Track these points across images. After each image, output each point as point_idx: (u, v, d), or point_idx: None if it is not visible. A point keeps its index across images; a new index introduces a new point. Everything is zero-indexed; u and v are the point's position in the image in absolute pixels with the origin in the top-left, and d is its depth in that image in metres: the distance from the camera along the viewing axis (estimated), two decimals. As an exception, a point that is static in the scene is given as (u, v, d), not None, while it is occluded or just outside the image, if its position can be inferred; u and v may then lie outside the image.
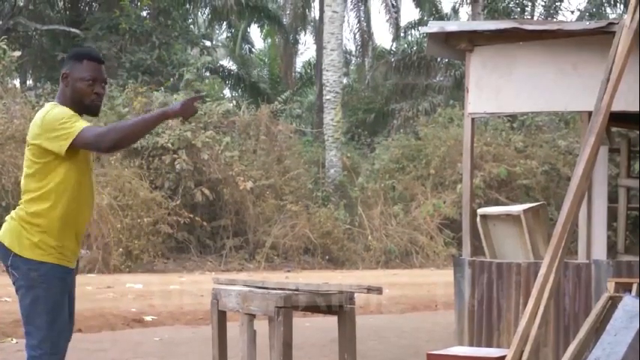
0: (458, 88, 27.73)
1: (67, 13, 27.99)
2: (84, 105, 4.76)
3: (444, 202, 23.69)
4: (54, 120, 4.62)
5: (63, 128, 4.59)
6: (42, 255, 4.64)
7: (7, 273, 4.72)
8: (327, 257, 21.86)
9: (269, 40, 37.21)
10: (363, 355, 5.87)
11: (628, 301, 6.21)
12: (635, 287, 6.37)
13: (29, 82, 29.75)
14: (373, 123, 31.23)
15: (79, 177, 4.73)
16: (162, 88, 23.33)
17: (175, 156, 20.73)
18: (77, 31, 25.98)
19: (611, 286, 6.54)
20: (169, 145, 20.77)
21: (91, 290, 14.70)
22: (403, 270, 21.73)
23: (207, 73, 30.11)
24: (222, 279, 6.00)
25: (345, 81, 32.07)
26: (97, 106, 4.81)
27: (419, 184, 24.55)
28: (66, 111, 4.67)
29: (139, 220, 19.52)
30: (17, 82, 28.05)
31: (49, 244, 4.65)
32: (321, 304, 5.24)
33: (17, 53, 23.22)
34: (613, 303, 6.41)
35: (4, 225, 4.77)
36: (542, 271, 5.56)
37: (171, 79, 24.71)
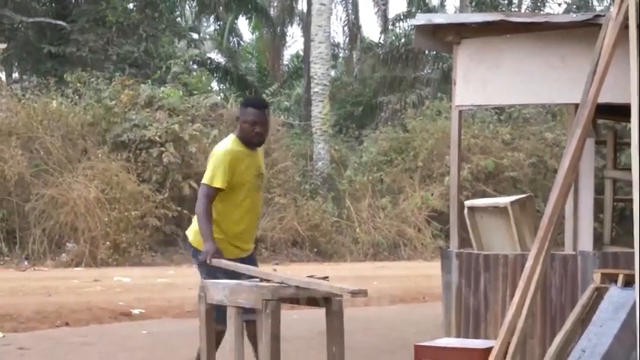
0: (445, 81, 27.73)
1: (53, 5, 27.84)
2: (247, 141, 6.45)
3: (432, 195, 23.70)
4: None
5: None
6: None
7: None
8: (315, 250, 21.86)
9: (257, 33, 37.14)
10: (351, 347, 5.88)
11: (614, 292, 6.23)
12: (621, 278, 6.39)
13: (15, 75, 29.63)
14: (361, 116, 31.22)
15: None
16: (149, 80, 23.26)
17: (163, 149, 20.68)
18: (63, 23, 25.88)
19: (597, 277, 6.56)
20: (157, 138, 20.72)
21: (79, 284, 14.69)
22: (391, 262, 21.75)
23: (195, 66, 30.02)
24: (224, 263, 6.01)
25: (333, 74, 32.04)
26: (259, 141, 6.50)
27: (407, 176, 24.55)
28: (223, 159, 6.41)
29: (126, 214, 19.48)
30: (3, 75, 27.98)
31: None
32: (309, 297, 5.24)
33: (3, 46, 23.14)
34: (599, 294, 6.43)
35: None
36: (529, 262, 5.58)
37: (159, 72, 24.63)
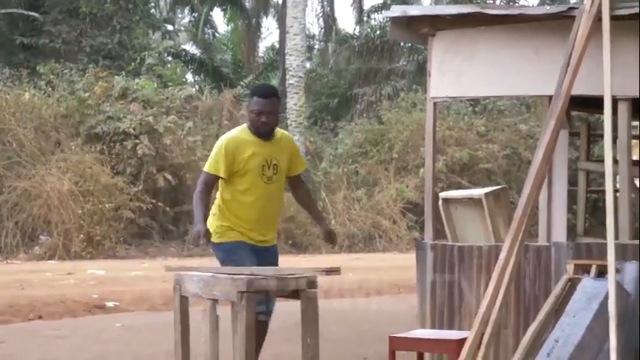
0: (421, 73, 27.77)
1: (26, -4, 27.73)
2: (256, 130, 6.34)
3: (407, 187, 23.76)
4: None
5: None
6: None
7: None
8: (290, 242, 21.87)
9: (232, 25, 37.04)
10: (326, 338, 5.89)
11: (587, 283, 6.26)
12: (593, 269, 6.42)
13: (-13, 67, 29.42)
14: (336, 108, 31.22)
15: None
16: (123, 72, 23.18)
17: (137, 141, 20.63)
18: (36, 14, 25.71)
19: (570, 268, 6.58)
20: (131, 130, 20.66)
21: (52, 277, 14.63)
22: (366, 254, 21.80)
23: (170, 58, 29.95)
24: (175, 266, 5.98)
25: (308, 65, 32.00)
26: (265, 131, 6.33)
27: (382, 168, 24.60)
28: (220, 146, 6.40)
29: (100, 206, 19.42)
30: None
31: None
32: (284, 289, 5.24)
33: (-24, 37, 23.01)
34: (572, 285, 6.46)
35: None
36: (503, 254, 5.60)
37: (133, 64, 24.54)
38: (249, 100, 6.48)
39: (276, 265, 6.38)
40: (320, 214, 6.92)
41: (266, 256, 6.35)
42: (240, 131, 6.47)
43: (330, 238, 6.60)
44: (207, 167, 6.45)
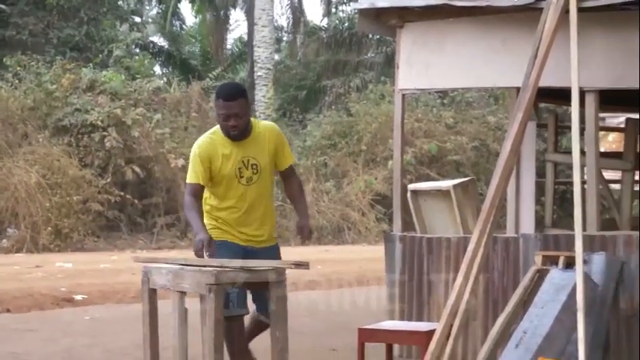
0: (389, 65, 27.79)
1: (-8, -13, 27.51)
2: (225, 134, 6.04)
3: (376, 179, 23.78)
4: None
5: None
6: None
7: None
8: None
9: (200, 17, 36.89)
10: (295, 331, 5.89)
11: (555, 274, 6.30)
12: (561, 260, 6.46)
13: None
14: (305, 100, 31.20)
15: None
16: (91, 64, 23.04)
17: (105, 133, 20.51)
18: (3, 6, 25.46)
19: (538, 259, 6.62)
20: (99, 122, 20.55)
21: (20, 270, 14.54)
22: (335, 246, 21.80)
23: (137, 50, 29.79)
24: (143, 258, 5.95)
25: (276, 57, 31.95)
26: (235, 135, 6.00)
27: (351, 160, 24.60)
28: (193, 154, 6.12)
29: (68, 199, 19.31)
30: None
31: None
32: (253, 281, 5.23)
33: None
34: (540, 276, 6.50)
35: None
36: (472, 245, 5.62)
37: (100, 56, 24.41)
38: (215, 101, 6.13)
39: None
40: (304, 210, 6.39)
41: (262, 255, 6.04)
42: (213, 134, 6.17)
43: (302, 232, 6.24)
44: (188, 178, 6.18)
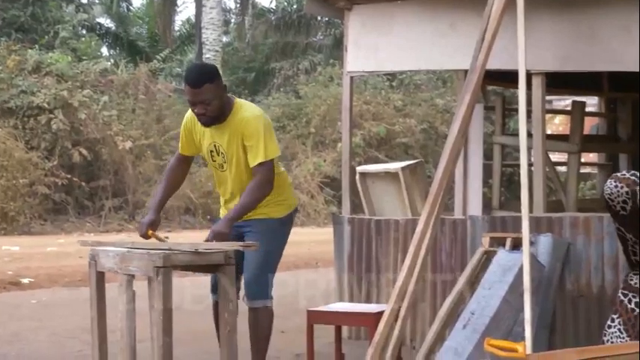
0: (338, 47, 27.78)
1: None
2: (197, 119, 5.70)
3: (325, 161, 23.81)
4: None
5: None
6: None
7: None
8: (208, 217, 21.78)
9: (147, -2, 36.62)
10: (245, 313, 5.88)
11: (501, 256, 6.36)
12: (508, 242, 6.52)
13: None
14: (253, 82, 31.12)
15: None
16: (36, 46, 22.78)
17: (52, 116, 20.31)
18: (-54, -13, 25.18)
19: (485, 240, 6.68)
20: (45, 104, 20.33)
21: (-35, 253, 14.39)
22: (284, 228, 21.77)
23: (84, 31, 29.51)
24: (89, 242, 5.90)
25: (224, 39, 31.82)
26: (204, 122, 5.65)
27: (299, 142, 24.61)
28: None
29: (14, 182, 19.12)
30: None
31: None
32: (201, 264, 5.21)
33: None
34: (488, 257, 6.55)
35: None
36: (420, 227, 5.64)
37: (46, 37, 24.15)
38: (184, 85, 5.69)
39: (261, 238, 5.68)
40: (231, 212, 5.68)
41: (242, 231, 5.82)
42: None
43: (211, 233, 5.62)
44: None
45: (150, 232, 5.73)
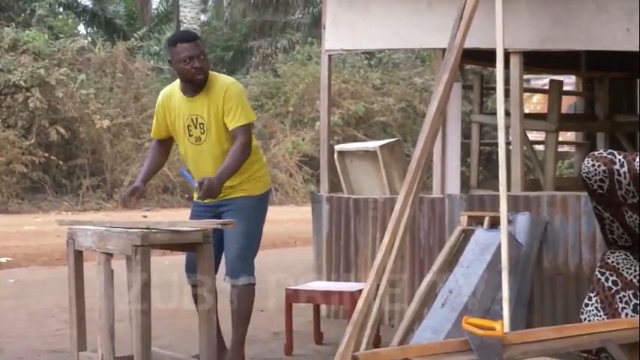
0: (316, 26, 27.72)
1: None
2: (189, 81, 5.75)
3: (303, 140, 23.80)
4: None
5: None
6: None
7: None
8: (186, 195, 21.74)
9: (124, -25, 36.37)
10: (223, 291, 5.89)
11: (480, 234, 6.38)
12: (486, 220, 6.55)
13: None
14: (232, 60, 31.00)
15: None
16: (13, 23, 22.62)
17: (28, 94, 20.19)
18: None
19: (464, 219, 6.70)
20: (22, 82, 20.21)
21: (-58, 232, 14.32)
22: (263, 207, 21.76)
23: (61, 9, 29.31)
24: (67, 221, 5.88)
25: (202, 18, 31.68)
26: (201, 79, 5.73)
27: (278, 121, 24.56)
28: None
29: (-9, 160, 19.04)
30: None
31: None
32: (180, 242, 5.21)
33: None
34: (466, 236, 6.58)
35: None
36: (398, 206, 5.65)
37: (23, 15, 23.97)
38: (172, 50, 5.78)
39: (241, 216, 5.72)
40: (220, 170, 5.71)
41: (220, 210, 5.90)
42: (173, 86, 5.96)
43: (199, 186, 5.62)
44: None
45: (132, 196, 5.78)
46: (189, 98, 5.82)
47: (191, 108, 5.82)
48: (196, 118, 5.81)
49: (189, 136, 5.86)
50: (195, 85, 5.77)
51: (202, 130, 5.81)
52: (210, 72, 5.86)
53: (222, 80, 5.89)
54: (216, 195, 5.62)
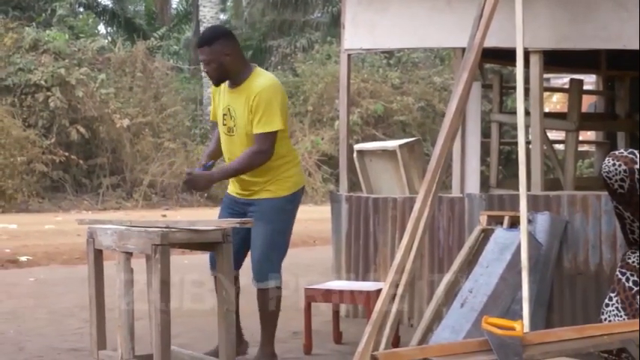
0: (335, 25, 27.72)
1: None
2: None
3: (322, 139, 23.80)
4: None
5: None
6: None
7: None
8: (205, 195, 21.78)
9: (144, -25, 36.47)
10: (242, 291, 5.89)
11: (499, 234, 6.36)
12: (506, 220, 6.53)
13: None
14: (250, 60, 30.72)
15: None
16: (34, 23, 22.72)
17: (49, 93, 20.29)
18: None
19: (483, 219, 6.68)
20: (42, 82, 20.32)
21: (-37, 231, 14.40)
22: (282, 206, 21.76)
23: (81, 9, 29.43)
24: (87, 220, 5.90)
25: (222, 17, 31.72)
26: (214, 83, 6.00)
27: (297, 120, 24.58)
28: None
29: (12, 160, 19.12)
30: None
31: None
32: (199, 241, 5.22)
33: None
34: (485, 235, 6.56)
35: None
36: (417, 205, 5.64)
37: (44, 15, 24.07)
38: None
39: (266, 217, 5.84)
40: (221, 169, 5.99)
41: (248, 209, 5.93)
42: None
43: (187, 179, 5.90)
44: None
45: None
46: (230, 90, 5.95)
47: (229, 99, 5.95)
48: (232, 110, 5.91)
49: (224, 125, 5.99)
50: (233, 78, 5.90)
51: (234, 123, 5.91)
52: (256, 68, 5.98)
53: (261, 81, 5.88)
54: (200, 191, 5.79)
